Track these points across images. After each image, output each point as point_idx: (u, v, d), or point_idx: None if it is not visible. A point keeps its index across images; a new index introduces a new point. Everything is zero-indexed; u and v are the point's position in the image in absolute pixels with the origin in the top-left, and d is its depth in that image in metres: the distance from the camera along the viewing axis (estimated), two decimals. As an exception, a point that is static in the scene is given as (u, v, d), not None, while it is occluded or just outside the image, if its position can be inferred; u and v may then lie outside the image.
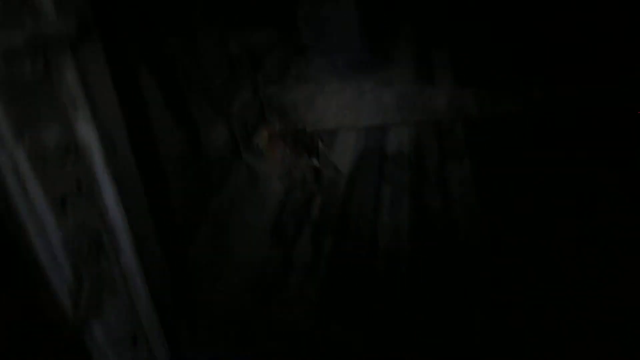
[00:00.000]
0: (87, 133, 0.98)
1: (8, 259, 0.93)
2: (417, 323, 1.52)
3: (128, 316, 1.22)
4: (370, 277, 1.68)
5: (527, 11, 2.81)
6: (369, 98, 2.49)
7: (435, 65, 2.88)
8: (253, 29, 2.30)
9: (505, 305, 1.53)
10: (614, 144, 2.04)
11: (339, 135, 2.42)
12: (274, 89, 2.46)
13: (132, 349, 1.24)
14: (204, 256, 1.67)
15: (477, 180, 2.08)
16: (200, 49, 1.86)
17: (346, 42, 2.85)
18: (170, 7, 1.67)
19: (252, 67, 2.29)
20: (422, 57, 2.99)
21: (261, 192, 2.07)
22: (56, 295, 0.98)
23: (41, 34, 0.87)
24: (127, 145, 1.09)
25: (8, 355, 1.03)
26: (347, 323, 1.55)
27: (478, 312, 1.54)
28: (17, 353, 1.04)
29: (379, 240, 1.82)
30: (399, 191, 2.05)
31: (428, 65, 2.88)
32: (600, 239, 1.68)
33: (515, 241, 1.75)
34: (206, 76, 1.90)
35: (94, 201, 1.03)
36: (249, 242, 1.83)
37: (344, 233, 1.86)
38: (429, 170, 2.18)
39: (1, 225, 0.87)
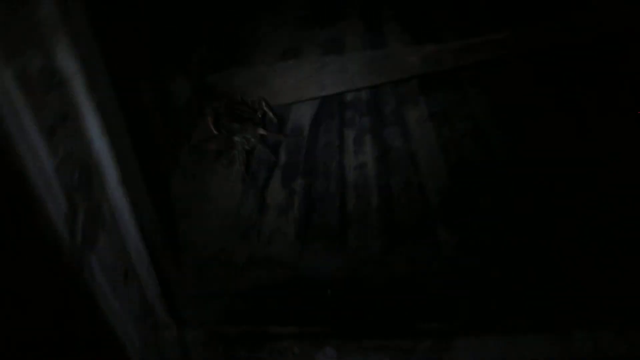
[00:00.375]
0: (68, 64, 1.01)
1: (4, 186, 0.95)
2: (385, 248, 1.63)
3: (119, 251, 1.26)
4: (342, 210, 1.77)
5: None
6: (330, 69, 2.41)
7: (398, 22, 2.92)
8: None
9: (464, 228, 1.65)
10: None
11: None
12: (216, 77, 2.43)
13: (124, 283, 1.28)
14: (181, 201, 1.72)
15: (433, 120, 2.19)
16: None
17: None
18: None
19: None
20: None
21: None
22: (53, 222, 1.02)
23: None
24: (107, 78, 1.12)
25: (9, 283, 1.06)
26: (323, 253, 1.64)
27: (442, 233, 1.66)
28: (18, 283, 1.07)
29: (347, 177, 1.91)
30: (361, 133, 2.14)
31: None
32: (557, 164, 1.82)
33: (470, 171, 1.89)
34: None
35: (79, 133, 1.06)
36: (223, 190, 1.88)
37: (313, 173, 1.93)
38: (387, 113, 2.27)
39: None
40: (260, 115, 2.22)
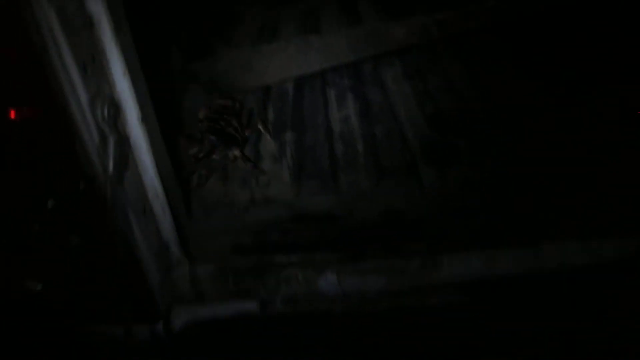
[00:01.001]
0: (97, 9, 1.13)
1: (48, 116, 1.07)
2: (373, 185, 1.80)
3: (139, 188, 1.39)
4: (331, 156, 1.92)
5: None
6: (315, 47, 2.42)
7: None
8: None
9: (442, 163, 1.83)
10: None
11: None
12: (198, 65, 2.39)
13: (143, 217, 1.41)
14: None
15: (408, 77, 2.36)
16: None
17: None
18: None
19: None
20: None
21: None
22: (88, 151, 1.14)
23: None
24: (128, 25, 1.24)
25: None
26: (318, 191, 1.80)
27: (423, 169, 1.83)
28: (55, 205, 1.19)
29: (333, 128, 2.06)
30: (343, 91, 2.29)
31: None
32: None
33: (445, 118, 2.07)
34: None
35: (106, 72, 1.19)
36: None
37: (301, 126, 2.08)
38: (366, 74, 2.41)
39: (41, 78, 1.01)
40: (244, 136, 2.06)
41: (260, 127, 2.10)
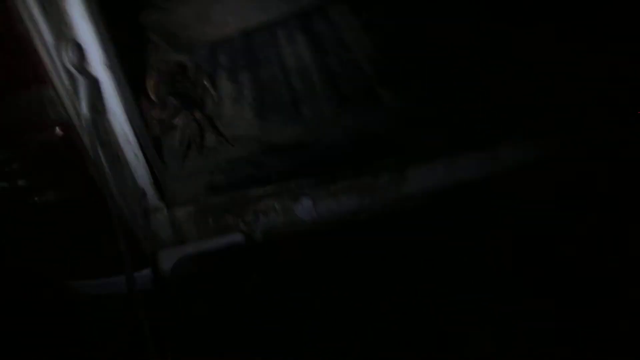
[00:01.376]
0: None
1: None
2: (335, 112, 1.86)
3: (111, 133, 1.39)
4: (290, 90, 1.97)
5: None
6: None
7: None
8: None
9: (397, 84, 1.91)
10: None
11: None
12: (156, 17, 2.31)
13: (118, 163, 1.43)
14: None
15: (352, 10, 2.40)
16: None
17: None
18: None
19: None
20: None
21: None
22: (60, 93, 1.15)
23: None
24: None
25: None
26: (282, 124, 1.84)
27: (381, 91, 1.90)
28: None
29: (287, 64, 2.10)
30: (291, 30, 2.31)
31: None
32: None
33: (394, 44, 2.13)
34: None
35: (64, 14, 1.17)
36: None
37: (255, 65, 2.11)
38: (312, 12, 2.43)
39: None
40: (200, 92, 2.01)
41: (206, 83, 2.04)
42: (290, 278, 1.76)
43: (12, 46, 1.04)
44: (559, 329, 1.52)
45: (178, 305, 1.66)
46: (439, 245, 1.78)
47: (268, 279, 1.74)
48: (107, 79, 1.31)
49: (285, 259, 1.72)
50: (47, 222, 1.44)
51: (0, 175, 1.26)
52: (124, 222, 1.46)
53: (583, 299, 1.58)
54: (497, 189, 1.75)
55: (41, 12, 1.07)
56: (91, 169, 1.26)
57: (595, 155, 1.68)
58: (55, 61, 1.11)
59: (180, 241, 1.67)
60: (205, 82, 2.03)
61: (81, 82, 1.19)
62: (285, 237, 1.70)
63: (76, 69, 1.17)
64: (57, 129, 1.19)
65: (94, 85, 1.25)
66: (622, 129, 1.66)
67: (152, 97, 1.88)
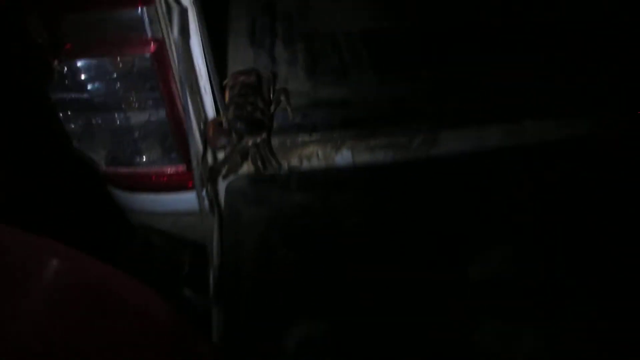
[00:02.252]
0: None
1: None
2: (378, 79, 2.06)
3: (190, 62, 1.61)
4: (340, 60, 2.18)
5: None
6: None
7: None
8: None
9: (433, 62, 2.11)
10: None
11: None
12: None
13: (191, 91, 1.64)
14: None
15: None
16: None
17: None
18: None
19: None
20: None
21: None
22: (158, 16, 1.37)
23: None
24: None
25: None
26: (331, 85, 2.03)
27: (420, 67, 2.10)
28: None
29: (339, 40, 2.32)
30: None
31: None
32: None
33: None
34: None
35: None
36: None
37: (308, 37, 2.34)
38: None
39: None
40: (270, 115, 1.86)
41: (282, 98, 1.90)
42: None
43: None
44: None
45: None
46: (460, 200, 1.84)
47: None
48: (191, 14, 1.53)
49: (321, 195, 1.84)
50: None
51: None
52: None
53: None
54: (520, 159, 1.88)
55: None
56: (174, 85, 1.48)
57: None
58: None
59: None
60: (282, 97, 1.90)
61: (175, 7, 1.41)
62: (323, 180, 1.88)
63: (172, -3, 1.40)
64: (152, 44, 1.40)
65: (185, 14, 1.47)
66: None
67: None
